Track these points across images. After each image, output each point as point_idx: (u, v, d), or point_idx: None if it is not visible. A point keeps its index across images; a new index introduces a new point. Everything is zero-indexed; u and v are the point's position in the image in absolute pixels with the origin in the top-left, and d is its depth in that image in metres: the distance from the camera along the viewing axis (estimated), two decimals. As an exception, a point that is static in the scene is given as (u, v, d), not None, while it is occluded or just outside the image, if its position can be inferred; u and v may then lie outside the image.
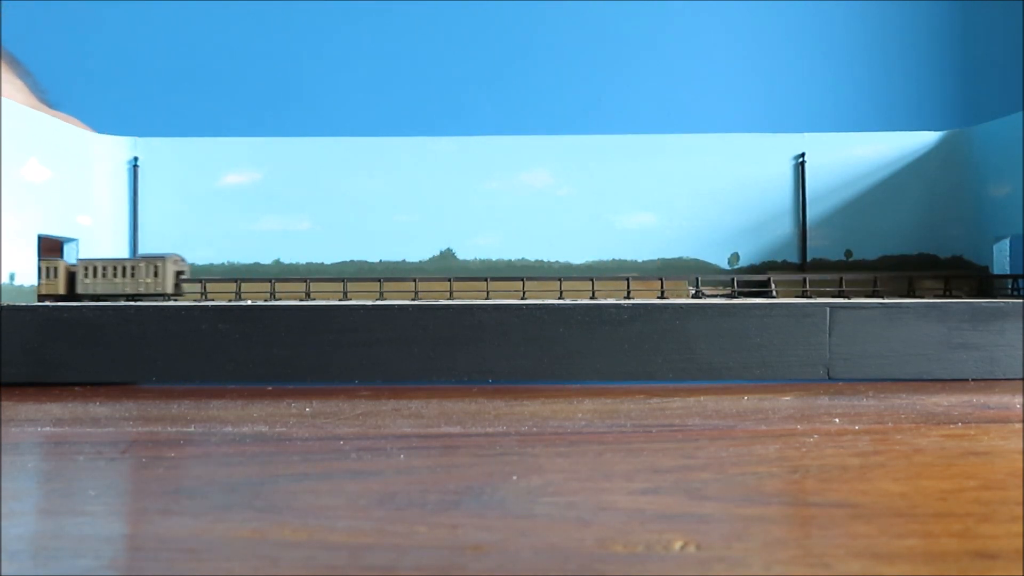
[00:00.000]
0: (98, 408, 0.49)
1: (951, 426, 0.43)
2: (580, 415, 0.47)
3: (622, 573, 0.24)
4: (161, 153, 0.71)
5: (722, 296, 0.65)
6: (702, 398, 0.52)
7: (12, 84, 0.80)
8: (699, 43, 1.15)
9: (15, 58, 0.88)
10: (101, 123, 0.72)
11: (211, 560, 0.25)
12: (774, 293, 0.66)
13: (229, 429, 0.43)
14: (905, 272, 0.68)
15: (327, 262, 0.72)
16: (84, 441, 0.42)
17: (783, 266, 0.72)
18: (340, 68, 1.14)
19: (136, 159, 0.71)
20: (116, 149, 0.71)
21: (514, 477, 0.34)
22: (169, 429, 0.43)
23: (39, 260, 0.61)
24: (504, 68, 1.14)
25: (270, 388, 0.55)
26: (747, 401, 0.50)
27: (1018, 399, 0.51)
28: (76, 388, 0.56)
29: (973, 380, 0.57)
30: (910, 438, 0.40)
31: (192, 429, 0.43)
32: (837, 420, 0.45)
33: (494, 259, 0.72)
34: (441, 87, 1.14)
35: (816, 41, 1.15)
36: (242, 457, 0.38)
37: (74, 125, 0.68)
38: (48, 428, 0.44)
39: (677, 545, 0.26)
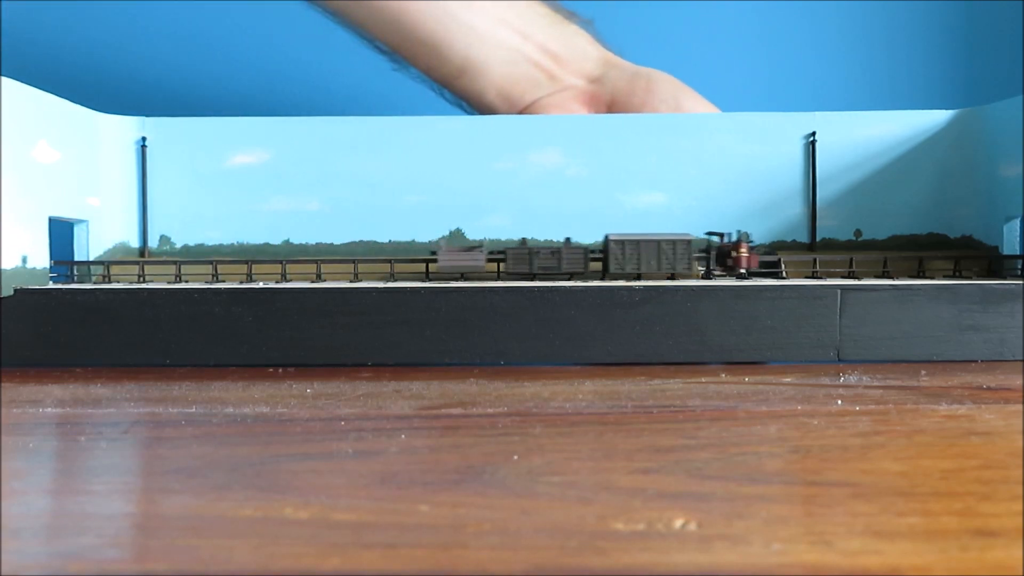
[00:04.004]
0: (100, 389, 0.50)
1: (953, 406, 0.43)
2: (581, 396, 0.47)
3: (623, 551, 0.24)
4: (169, 133, 0.71)
5: (732, 277, 0.65)
6: (703, 379, 0.51)
7: None
8: (709, 22, 1.14)
9: None
10: (107, 103, 0.72)
11: (213, 538, 0.26)
12: (784, 273, 0.66)
13: (230, 410, 0.43)
14: (915, 253, 0.67)
15: (337, 242, 0.72)
16: (86, 422, 0.42)
17: (793, 246, 0.71)
18: (348, 47, 1.14)
19: (144, 139, 0.71)
20: (124, 129, 0.71)
21: (515, 457, 0.34)
22: (171, 410, 0.43)
23: None
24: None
25: (271, 370, 0.56)
26: (749, 382, 0.50)
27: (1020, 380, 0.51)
28: (77, 370, 0.56)
29: (982, 361, 0.56)
30: (911, 418, 0.40)
31: (193, 410, 0.43)
32: (839, 401, 0.44)
33: (504, 239, 0.72)
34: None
35: (827, 19, 1.14)
36: (243, 437, 0.38)
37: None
38: (50, 409, 0.44)
39: (678, 523, 0.26)
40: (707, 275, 0.65)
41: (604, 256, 0.64)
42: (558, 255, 0.64)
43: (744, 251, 0.64)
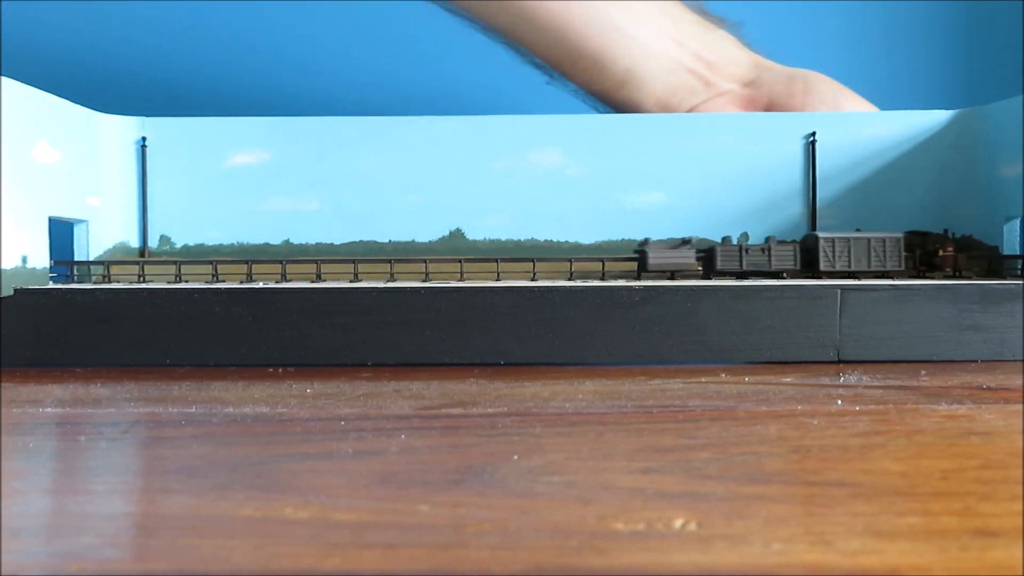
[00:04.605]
0: (99, 389, 0.50)
1: (953, 406, 0.43)
2: (581, 396, 0.47)
3: (623, 550, 0.24)
4: (169, 133, 0.71)
5: (732, 276, 0.65)
6: (703, 379, 0.52)
7: None
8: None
9: None
10: (107, 103, 0.72)
11: (213, 538, 0.26)
12: (784, 274, 0.66)
13: (230, 410, 0.43)
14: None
15: (337, 242, 0.72)
16: (85, 422, 0.42)
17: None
18: (347, 47, 1.14)
19: (144, 139, 0.71)
20: (124, 129, 0.71)
21: (515, 457, 0.34)
22: (171, 410, 0.43)
23: None
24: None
25: (271, 370, 0.56)
26: (749, 382, 0.50)
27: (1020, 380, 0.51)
28: (77, 370, 0.56)
29: (982, 361, 0.56)
30: (911, 418, 0.40)
31: (193, 410, 0.43)
32: (839, 401, 0.44)
33: (504, 239, 0.72)
34: (449, 66, 1.13)
35: (827, 19, 1.14)
36: (243, 437, 0.38)
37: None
38: (50, 409, 0.44)
39: (678, 523, 0.26)
40: (706, 275, 0.65)
41: (812, 254, 0.64)
42: (768, 252, 0.64)
43: (951, 250, 0.63)
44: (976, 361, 0.57)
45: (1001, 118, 0.67)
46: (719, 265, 0.64)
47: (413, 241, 0.72)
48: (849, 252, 0.63)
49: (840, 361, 0.57)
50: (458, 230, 0.72)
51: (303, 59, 1.14)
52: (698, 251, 0.65)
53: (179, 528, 0.27)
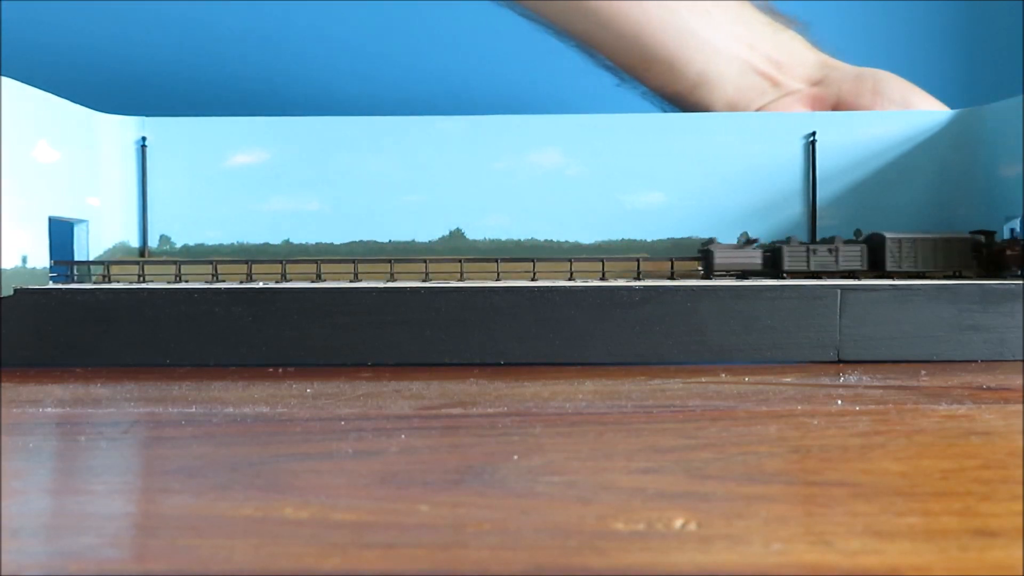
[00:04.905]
0: (99, 389, 0.50)
1: (953, 406, 0.43)
2: (581, 396, 0.47)
3: (623, 550, 0.24)
4: (169, 133, 0.71)
5: (732, 276, 0.65)
6: (703, 379, 0.51)
7: None
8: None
9: None
10: (107, 103, 0.72)
11: (213, 538, 0.26)
12: (784, 274, 0.66)
13: (231, 410, 0.43)
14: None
15: (336, 242, 0.72)
16: (85, 422, 0.42)
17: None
18: (347, 46, 1.14)
19: (144, 139, 0.71)
20: (124, 129, 0.71)
21: (515, 457, 0.34)
22: (171, 410, 0.43)
23: None
24: (513, 45, 1.13)
25: (271, 370, 0.56)
26: (749, 382, 0.50)
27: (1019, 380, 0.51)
28: (77, 370, 0.56)
29: (982, 361, 0.56)
30: (911, 418, 0.40)
31: (193, 410, 0.43)
32: (839, 401, 0.44)
33: (504, 239, 0.72)
34: (448, 65, 1.13)
35: (826, 19, 1.14)
36: (243, 437, 0.38)
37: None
38: (50, 409, 0.44)
39: (678, 523, 0.26)
40: (707, 275, 0.65)
41: (879, 254, 0.64)
42: (835, 252, 0.63)
43: (1019, 249, 0.63)
44: (976, 361, 0.57)
45: (1001, 118, 0.67)
46: (786, 265, 0.64)
47: (413, 241, 0.72)
48: (916, 253, 0.63)
49: (840, 361, 0.57)
50: (458, 230, 0.72)
51: (303, 59, 1.14)
52: (765, 251, 0.65)
53: (179, 528, 0.27)
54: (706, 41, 0.79)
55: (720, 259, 0.64)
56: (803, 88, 0.79)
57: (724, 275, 0.64)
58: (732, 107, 0.78)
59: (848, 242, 0.65)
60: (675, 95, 0.81)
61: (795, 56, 0.81)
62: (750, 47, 0.80)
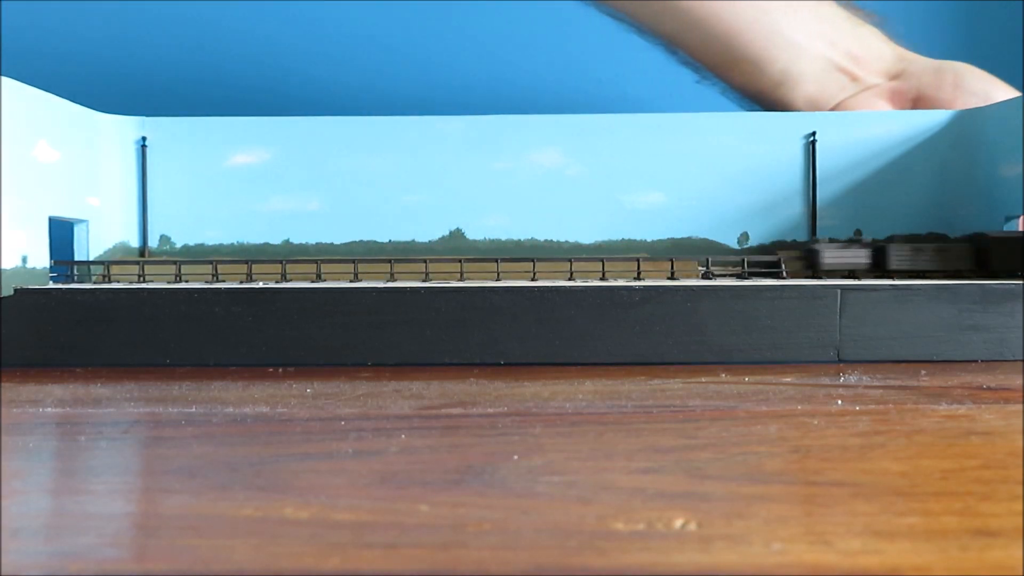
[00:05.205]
0: (99, 389, 0.50)
1: (953, 406, 0.43)
2: (581, 396, 0.47)
3: (623, 550, 0.24)
4: (169, 133, 0.71)
5: (732, 276, 0.65)
6: (703, 379, 0.51)
7: None
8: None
9: None
10: (107, 103, 0.72)
11: (213, 538, 0.26)
12: (784, 273, 0.66)
13: (231, 410, 0.43)
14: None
15: (336, 242, 0.72)
16: (85, 422, 0.42)
17: (793, 246, 0.71)
18: (348, 46, 1.14)
19: (144, 139, 0.71)
20: (124, 129, 0.71)
21: (515, 457, 0.34)
22: (171, 410, 0.43)
23: None
24: (512, 45, 1.14)
25: (271, 370, 0.56)
26: (749, 382, 0.50)
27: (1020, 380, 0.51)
28: (77, 370, 0.56)
29: (982, 361, 0.56)
30: (911, 418, 0.40)
31: (193, 410, 0.43)
32: (840, 401, 0.44)
33: (503, 239, 0.72)
34: (448, 65, 1.13)
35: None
36: (243, 437, 0.38)
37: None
38: (50, 409, 0.44)
39: (678, 523, 0.26)
40: (707, 275, 0.65)
41: (986, 254, 0.63)
42: (944, 252, 0.63)
43: None
44: (976, 361, 0.57)
45: (1001, 118, 0.67)
46: (893, 264, 0.63)
47: (413, 241, 0.72)
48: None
49: (840, 361, 0.57)
50: (458, 230, 0.72)
51: (303, 59, 1.14)
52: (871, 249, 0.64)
53: (179, 528, 0.27)
54: (791, 40, 0.80)
55: (829, 259, 0.64)
56: (881, 82, 0.80)
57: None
58: (812, 104, 0.79)
59: (956, 241, 0.64)
60: (757, 93, 0.82)
61: (873, 50, 0.81)
62: (831, 43, 0.80)
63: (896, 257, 0.63)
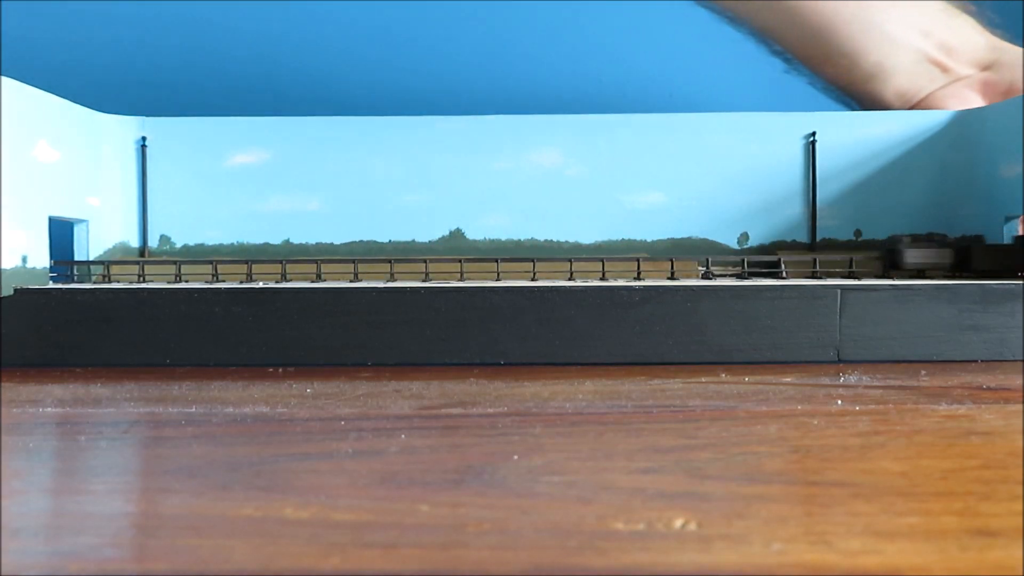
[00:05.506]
0: (99, 389, 0.50)
1: (953, 406, 0.43)
2: (581, 396, 0.47)
3: (623, 550, 0.24)
4: (169, 133, 0.71)
5: (732, 276, 0.65)
6: (703, 379, 0.51)
7: None
8: (710, 21, 1.14)
9: None
10: (107, 103, 0.72)
11: (213, 538, 0.26)
12: (784, 273, 0.66)
13: (231, 410, 0.43)
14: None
15: (336, 242, 0.72)
16: (85, 421, 0.42)
17: (793, 246, 0.71)
18: (348, 46, 1.14)
19: (144, 139, 0.71)
20: (124, 129, 0.71)
21: (515, 457, 0.34)
22: (171, 410, 0.43)
23: None
24: (512, 45, 1.14)
25: (271, 370, 0.56)
26: (749, 382, 0.50)
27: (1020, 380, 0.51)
28: (77, 370, 0.56)
29: (982, 361, 0.56)
30: (911, 418, 0.40)
31: (193, 410, 0.43)
32: (839, 401, 0.44)
33: (503, 239, 0.72)
34: (448, 65, 1.13)
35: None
36: (243, 437, 0.38)
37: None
38: (50, 409, 0.44)
39: (678, 523, 0.26)
40: (707, 275, 0.65)
41: None
42: None
43: None
44: (976, 361, 0.57)
45: (1001, 118, 0.67)
46: (976, 264, 0.63)
47: (413, 241, 0.72)
48: None
49: (840, 361, 0.57)
50: (458, 230, 0.72)
51: (303, 59, 1.14)
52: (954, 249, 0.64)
53: (179, 528, 0.27)
54: (887, 33, 0.80)
55: (912, 258, 0.63)
56: (973, 73, 0.79)
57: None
58: (902, 97, 0.79)
59: None
60: (848, 85, 0.82)
61: (967, 41, 0.81)
62: (925, 34, 0.80)
63: (981, 257, 0.63)
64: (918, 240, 0.69)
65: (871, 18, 0.80)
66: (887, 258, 0.65)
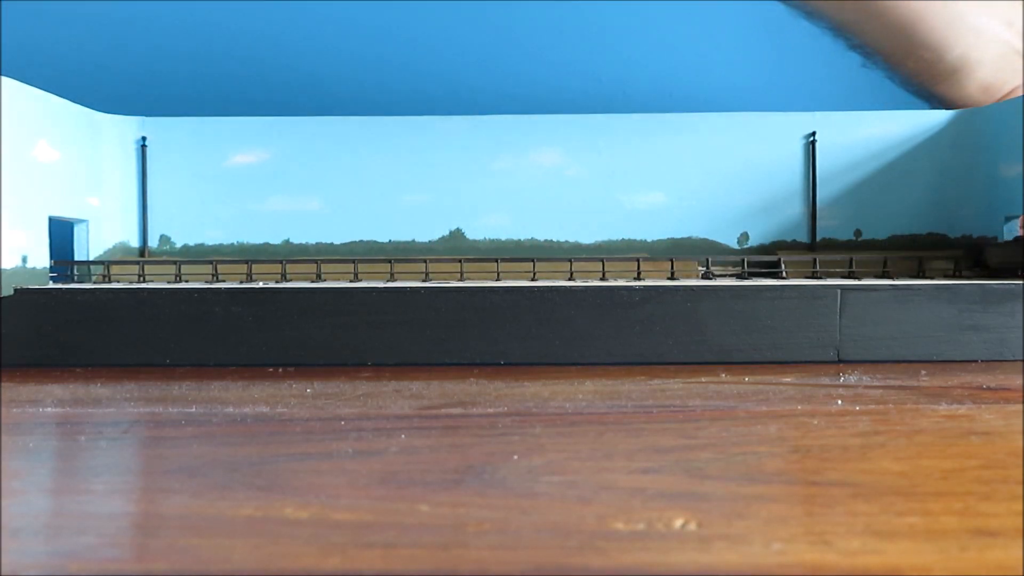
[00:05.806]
0: (99, 389, 0.50)
1: (953, 406, 0.43)
2: (581, 396, 0.47)
3: (623, 550, 0.24)
4: (169, 133, 0.72)
5: (732, 276, 0.65)
6: (703, 379, 0.51)
7: None
8: (710, 20, 1.14)
9: None
10: (107, 103, 0.72)
11: (213, 538, 0.26)
12: (784, 273, 0.66)
13: (231, 410, 0.43)
14: (915, 252, 0.67)
15: (337, 242, 0.72)
16: (85, 421, 0.42)
17: (793, 246, 0.71)
18: (345, 46, 1.14)
19: (144, 139, 0.71)
20: (124, 129, 0.71)
21: (515, 457, 0.34)
22: (171, 410, 0.43)
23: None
24: (511, 45, 1.13)
25: (271, 370, 0.56)
26: (749, 382, 0.50)
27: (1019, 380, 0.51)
28: (77, 370, 0.56)
29: (982, 361, 0.56)
30: (911, 418, 0.40)
31: (193, 410, 0.43)
32: (839, 401, 0.44)
33: (504, 239, 0.72)
34: (448, 65, 1.13)
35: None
36: (243, 437, 0.38)
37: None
38: (50, 409, 0.44)
39: (678, 523, 0.26)
40: (707, 275, 0.65)
41: None
42: None
43: None
44: (976, 361, 0.57)
45: (1001, 118, 0.67)
46: None
47: (413, 241, 0.72)
48: None
49: (840, 361, 0.57)
50: (458, 230, 0.72)
51: (303, 59, 1.14)
52: None
53: (179, 528, 0.26)
54: (972, 24, 0.79)
55: (997, 257, 0.63)
56: None
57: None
58: (986, 91, 0.78)
59: None
60: (930, 79, 0.81)
61: None
62: (1009, 24, 0.79)
63: None
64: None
65: (957, 11, 0.78)
66: (969, 256, 0.65)
